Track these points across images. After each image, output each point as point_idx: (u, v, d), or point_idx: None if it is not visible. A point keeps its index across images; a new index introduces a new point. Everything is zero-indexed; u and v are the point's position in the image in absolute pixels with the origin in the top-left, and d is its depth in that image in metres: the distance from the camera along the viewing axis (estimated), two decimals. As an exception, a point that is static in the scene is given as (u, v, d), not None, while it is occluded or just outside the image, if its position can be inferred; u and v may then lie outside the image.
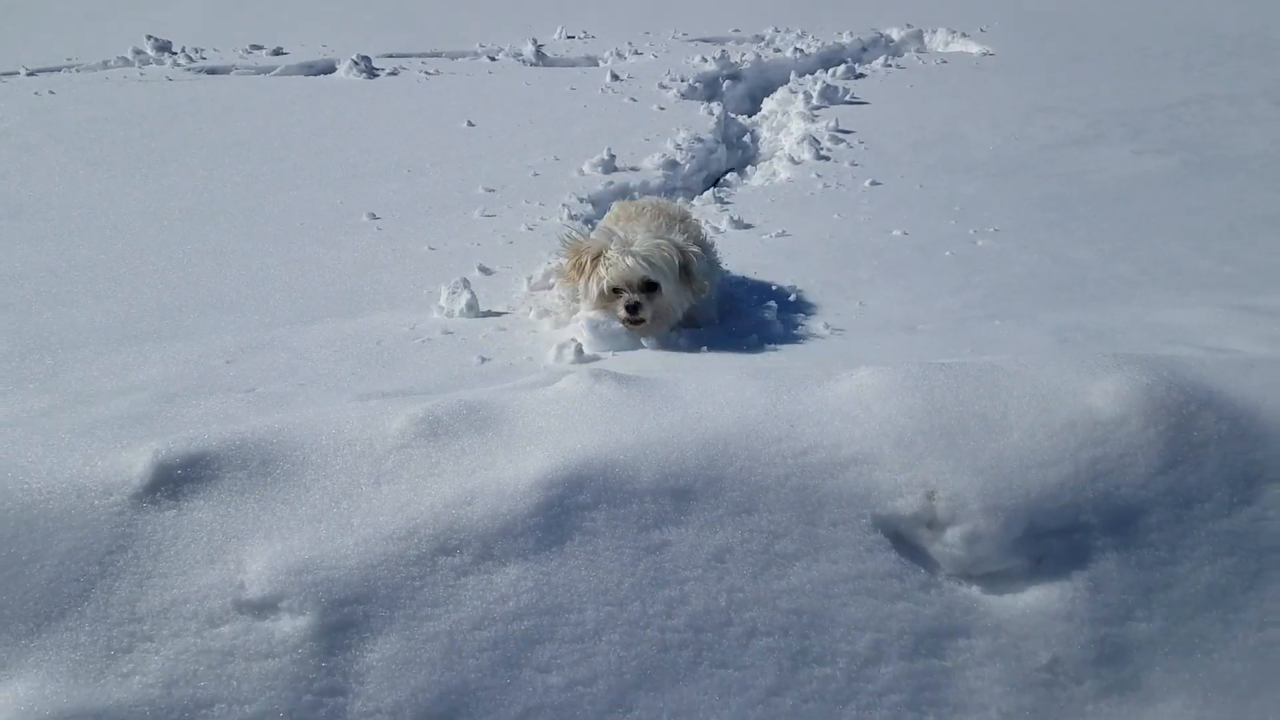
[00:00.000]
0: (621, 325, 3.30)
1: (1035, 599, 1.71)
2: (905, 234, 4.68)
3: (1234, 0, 11.78)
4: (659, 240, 3.32)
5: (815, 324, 3.51)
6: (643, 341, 3.29)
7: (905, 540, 1.77)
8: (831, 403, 1.91)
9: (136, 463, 1.84)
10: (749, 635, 1.69)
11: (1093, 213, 5.12)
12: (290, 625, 1.67)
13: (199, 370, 3.14)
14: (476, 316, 3.66)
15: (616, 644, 1.68)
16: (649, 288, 3.29)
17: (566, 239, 3.55)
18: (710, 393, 1.99)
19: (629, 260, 3.27)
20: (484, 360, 3.17)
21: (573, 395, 2.00)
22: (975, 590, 1.73)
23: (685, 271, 3.35)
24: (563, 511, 1.79)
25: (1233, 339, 2.74)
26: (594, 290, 3.34)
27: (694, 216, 3.97)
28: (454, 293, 3.74)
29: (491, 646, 1.67)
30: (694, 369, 2.55)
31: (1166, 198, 5.36)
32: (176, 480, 1.83)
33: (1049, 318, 3.45)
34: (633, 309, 3.25)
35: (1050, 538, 1.75)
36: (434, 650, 1.66)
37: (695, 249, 3.41)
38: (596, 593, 1.72)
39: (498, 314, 3.71)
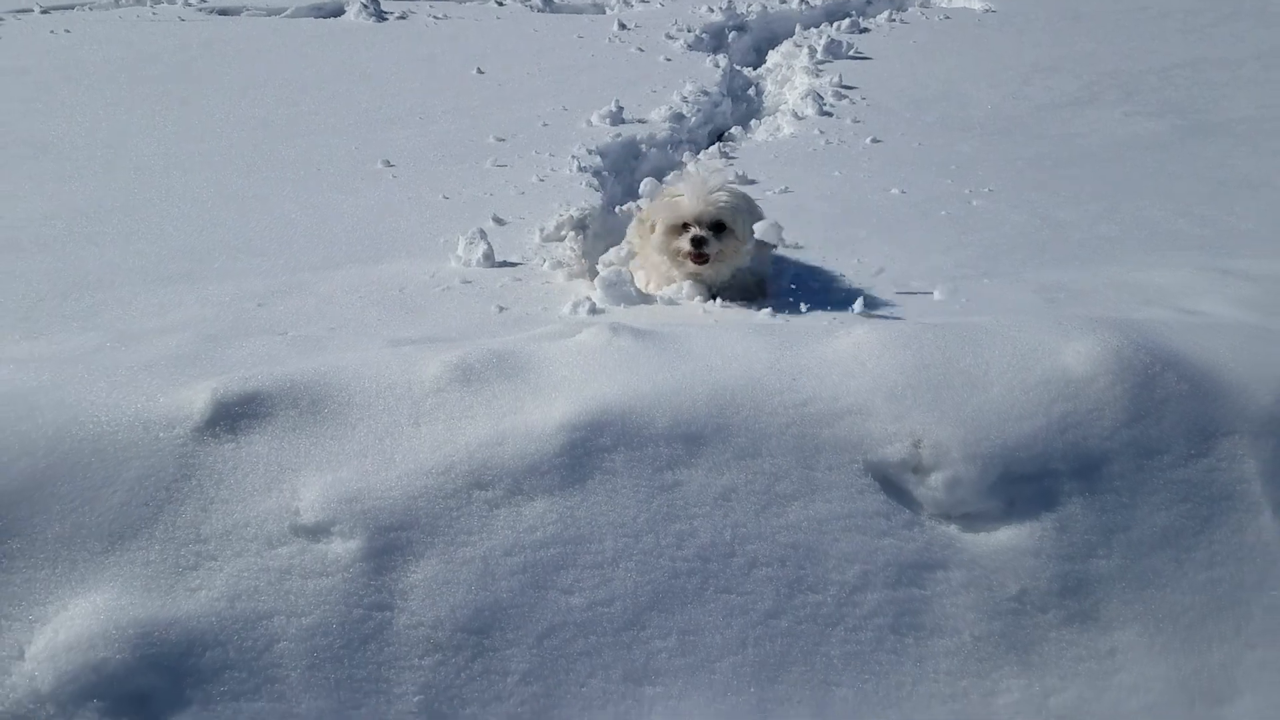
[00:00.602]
0: (676, 270, 3.22)
1: (1007, 537, 1.88)
2: (903, 193, 4.79)
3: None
4: (735, 186, 3.25)
5: (813, 281, 3.65)
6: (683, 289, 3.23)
7: (892, 483, 1.93)
8: (830, 358, 2.06)
9: (196, 400, 1.99)
10: (750, 565, 1.86)
11: (1081, 174, 5.22)
12: (341, 548, 1.83)
13: (233, 312, 3.28)
14: (492, 266, 3.79)
15: (632, 570, 1.85)
16: (718, 228, 3.17)
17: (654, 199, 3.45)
18: (719, 347, 2.14)
19: (707, 193, 3.17)
20: (502, 309, 3.31)
21: (593, 347, 2.15)
22: (953, 529, 1.90)
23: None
24: (585, 453, 1.94)
25: (1204, 301, 2.88)
26: (661, 223, 3.22)
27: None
28: (471, 243, 3.86)
29: (521, 570, 1.84)
30: (701, 324, 2.69)
31: (1152, 161, 5.46)
32: (234, 416, 1.98)
33: (1034, 277, 3.59)
34: (699, 243, 3.13)
35: (1022, 483, 1.91)
36: (470, 573, 1.83)
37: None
38: (615, 525, 1.88)
39: (513, 264, 3.84)
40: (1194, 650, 1.80)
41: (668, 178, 3.67)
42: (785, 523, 1.89)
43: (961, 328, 2.09)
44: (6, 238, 4.22)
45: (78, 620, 1.74)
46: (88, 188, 5.01)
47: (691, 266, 3.20)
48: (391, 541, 1.85)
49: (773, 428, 1.96)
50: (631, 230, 3.63)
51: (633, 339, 2.17)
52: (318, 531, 1.85)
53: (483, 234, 3.86)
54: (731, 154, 5.71)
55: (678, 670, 1.78)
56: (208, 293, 3.51)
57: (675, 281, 3.28)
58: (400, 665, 1.76)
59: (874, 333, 2.09)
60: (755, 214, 3.31)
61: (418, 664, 1.76)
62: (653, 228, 3.31)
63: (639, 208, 3.87)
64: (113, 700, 1.69)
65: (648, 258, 3.42)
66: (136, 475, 1.89)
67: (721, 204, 3.17)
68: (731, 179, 3.42)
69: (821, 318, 2.73)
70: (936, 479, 1.90)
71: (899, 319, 2.14)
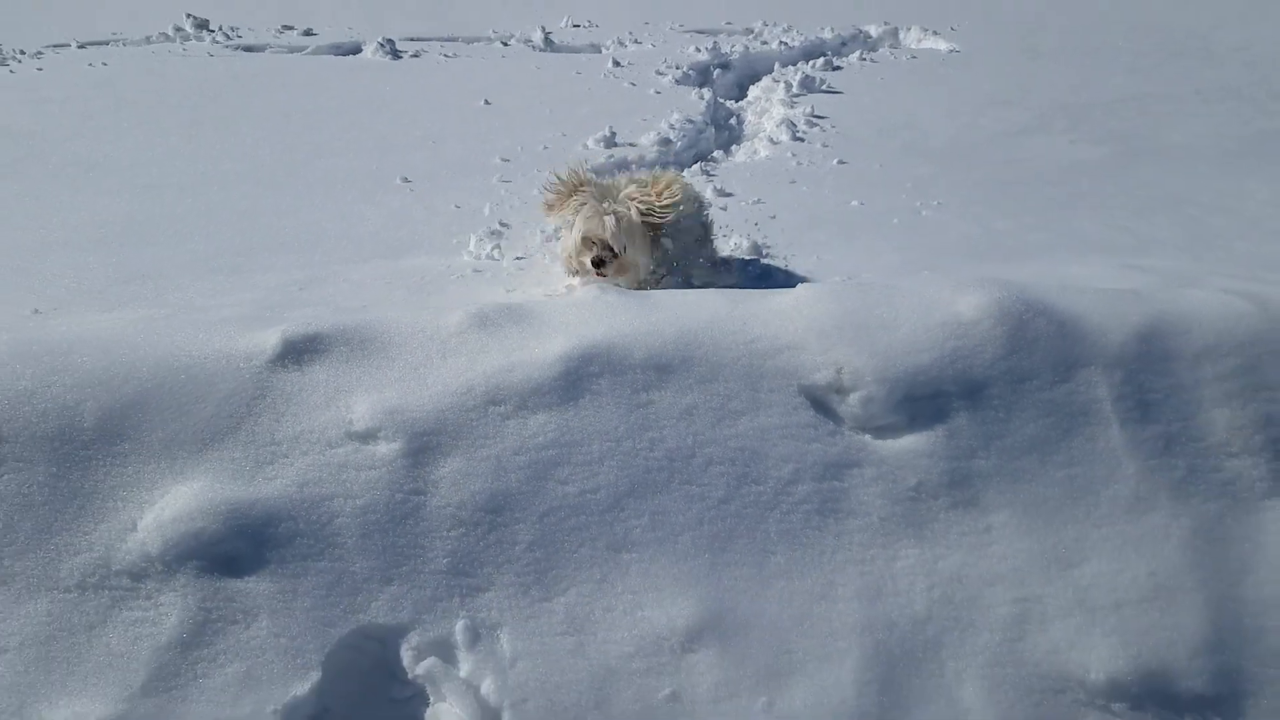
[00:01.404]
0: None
1: (908, 443, 2.32)
2: (861, 204, 5.26)
3: (1183, 8, 12.30)
4: (629, 201, 3.47)
5: (777, 272, 4.10)
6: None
7: (820, 403, 2.37)
8: (774, 307, 2.50)
9: (269, 339, 2.42)
10: (707, 464, 2.30)
11: (1024, 193, 5.69)
12: (385, 448, 2.26)
13: (280, 293, 3.72)
14: (500, 260, 4.24)
15: (614, 467, 2.28)
16: (609, 249, 3.41)
17: (558, 177, 3.64)
18: (686, 302, 2.58)
19: (602, 218, 3.41)
20: (509, 291, 3.76)
21: (584, 301, 2.60)
22: (867, 437, 2.34)
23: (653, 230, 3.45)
24: (577, 378, 2.38)
25: (1101, 284, 3.33)
26: (572, 241, 3.48)
27: (697, 192, 4.10)
28: (481, 240, 4.32)
29: (526, 466, 2.27)
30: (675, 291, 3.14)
31: (1090, 182, 5.94)
32: (299, 351, 2.41)
33: (969, 270, 4.04)
34: (598, 263, 3.42)
35: (921, 401, 2.35)
36: (486, 467, 2.26)
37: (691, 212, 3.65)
38: (600, 433, 2.32)
39: (518, 258, 4.29)
40: (1052, 528, 2.23)
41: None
42: (735, 432, 2.33)
43: (880, 285, 2.54)
44: (66, 239, 4.66)
45: (179, 501, 2.16)
46: (134, 201, 5.45)
47: (595, 276, 3.47)
48: (425, 443, 2.28)
49: (726, 359, 2.40)
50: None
51: (616, 295, 2.62)
52: (367, 436, 2.28)
53: (491, 233, 4.32)
54: (712, 173, 6.18)
55: (649, 542, 2.21)
56: (255, 280, 3.95)
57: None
58: (432, 536, 2.18)
59: (809, 290, 2.54)
60: (634, 232, 3.47)
61: (446, 535, 2.19)
62: (550, 209, 3.59)
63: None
64: (208, 560, 2.11)
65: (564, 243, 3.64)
66: (222, 394, 2.32)
67: (611, 232, 3.40)
68: (632, 193, 3.53)
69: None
70: (854, 398, 2.34)
71: (828, 283, 2.58)
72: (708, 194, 5.54)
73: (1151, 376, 2.39)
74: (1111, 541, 2.21)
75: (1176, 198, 5.69)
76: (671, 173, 4.05)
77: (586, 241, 3.46)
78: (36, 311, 3.51)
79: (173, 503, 2.16)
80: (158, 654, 2.01)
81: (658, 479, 2.28)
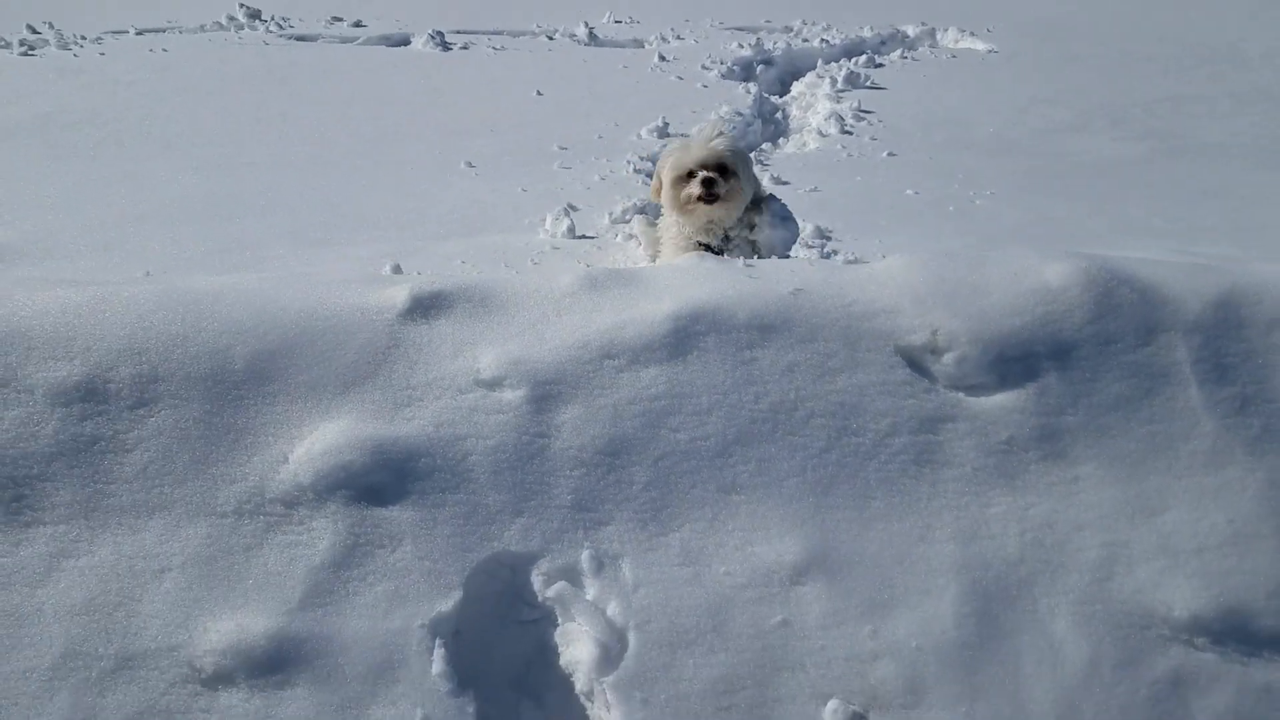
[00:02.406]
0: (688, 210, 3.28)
1: (1000, 400, 2.45)
2: (916, 193, 5.39)
3: (1213, 16, 12.34)
4: (734, 135, 3.42)
5: (842, 254, 4.24)
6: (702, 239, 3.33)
7: (916, 362, 2.51)
8: (869, 274, 2.64)
9: (399, 294, 2.58)
10: (809, 416, 2.44)
11: (1072, 183, 5.82)
12: (512, 394, 2.41)
13: (374, 265, 3.88)
14: (575, 239, 4.40)
15: (721, 418, 2.43)
16: (724, 171, 3.28)
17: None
18: (784, 267, 2.73)
19: (706, 141, 3.29)
20: (589, 267, 3.91)
21: (688, 266, 2.75)
22: (960, 395, 2.47)
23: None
24: (685, 335, 2.52)
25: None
26: (668, 176, 3.30)
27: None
28: (556, 219, 4.48)
29: (640, 415, 2.42)
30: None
31: (1135, 175, 6.05)
32: (426, 307, 2.57)
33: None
34: (709, 184, 3.23)
35: (1012, 362, 2.48)
36: (604, 414, 2.41)
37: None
38: (708, 386, 2.46)
39: (591, 237, 4.44)
40: (1136, 479, 2.36)
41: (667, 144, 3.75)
42: (835, 388, 2.47)
43: (969, 255, 2.68)
44: (156, 212, 4.86)
45: (328, 436, 2.32)
46: (212, 179, 5.65)
47: (703, 208, 3.30)
48: (547, 391, 2.43)
49: (825, 321, 2.54)
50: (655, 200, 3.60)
51: (716, 262, 2.76)
52: (494, 384, 2.43)
53: (566, 211, 4.47)
54: (765, 162, 6.32)
55: (756, 486, 2.35)
56: (345, 253, 4.13)
57: (693, 250, 3.35)
58: (556, 475, 2.34)
59: (902, 258, 2.68)
60: (751, 161, 3.42)
61: (569, 474, 2.34)
62: (658, 189, 3.44)
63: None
64: (355, 490, 2.27)
65: (667, 231, 3.56)
66: (360, 343, 2.48)
67: (722, 148, 3.29)
68: (724, 130, 3.42)
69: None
70: (949, 358, 2.48)
71: (921, 252, 2.72)
72: (764, 180, 5.68)
73: (1227, 342, 2.52)
74: (1191, 492, 2.34)
75: (1218, 190, 5.80)
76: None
77: (687, 175, 3.30)
78: (148, 274, 3.69)
79: (322, 438, 2.32)
80: (312, 573, 2.17)
81: (762, 429, 2.42)
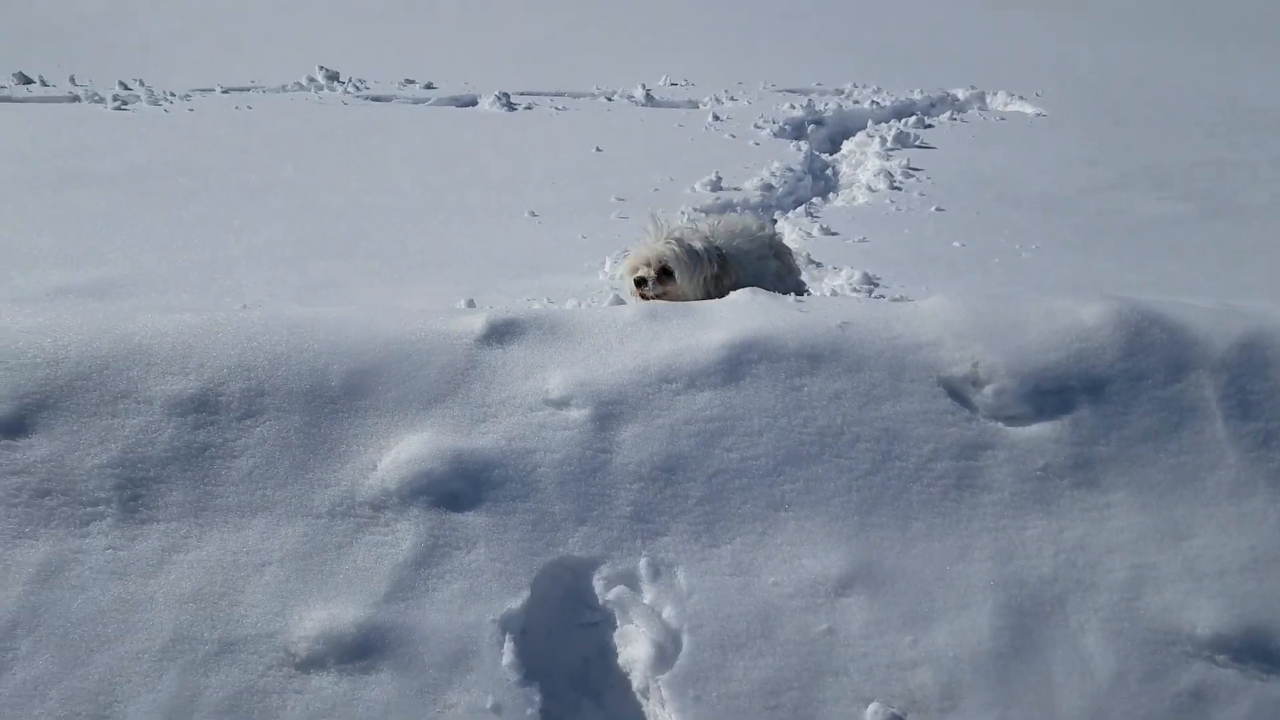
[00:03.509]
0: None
1: (1036, 430, 2.58)
2: (963, 245, 5.53)
3: (1257, 83, 12.37)
4: (689, 235, 3.50)
5: (887, 296, 4.39)
6: None
7: (957, 393, 2.65)
8: (913, 311, 2.80)
9: (476, 322, 2.80)
10: (855, 441, 2.58)
11: (1116, 240, 5.91)
12: (577, 413, 2.60)
13: (451, 301, 4.12)
14: (634, 281, 4.61)
15: (772, 440, 2.59)
16: (664, 273, 3.44)
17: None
18: (832, 303, 2.90)
19: (652, 244, 3.46)
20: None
21: (741, 300, 2.93)
22: (999, 424, 2.60)
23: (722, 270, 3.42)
24: (738, 363, 2.70)
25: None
26: (623, 268, 3.52)
27: (777, 236, 3.99)
28: (616, 263, 4.69)
29: (696, 434, 2.58)
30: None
31: (1177, 233, 6.13)
32: (500, 333, 2.78)
33: (1069, 304, 4.28)
34: (640, 284, 3.43)
35: (1049, 395, 2.61)
36: (662, 433, 2.58)
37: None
38: (759, 410, 2.63)
39: (649, 280, 4.65)
40: (1164, 507, 2.46)
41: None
42: (879, 414, 2.62)
43: (1008, 295, 2.83)
44: (247, 254, 5.17)
45: (411, 447, 2.52)
46: (297, 224, 5.99)
47: (637, 298, 3.46)
48: (609, 411, 2.61)
49: (870, 352, 2.70)
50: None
51: (767, 297, 2.94)
52: (561, 403, 2.62)
53: (626, 253, 4.69)
54: (815, 214, 6.51)
55: (803, 503, 2.50)
56: (422, 289, 4.38)
57: None
58: (617, 487, 2.51)
59: (944, 297, 2.83)
60: (696, 264, 3.46)
61: (628, 487, 2.51)
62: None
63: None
64: (436, 496, 2.46)
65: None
66: (441, 365, 2.70)
67: (662, 251, 3.46)
68: (678, 233, 3.57)
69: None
70: (988, 389, 2.62)
71: (962, 292, 2.87)
72: (814, 231, 5.87)
73: (1252, 380, 2.63)
74: (1216, 520, 2.43)
75: (1258, 249, 5.86)
76: (732, 214, 4.17)
77: (637, 269, 3.48)
78: (244, 306, 3.97)
79: (406, 449, 2.52)
80: (396, 570, 2.35)
81: (810, 451, 2.57)
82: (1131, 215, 6.74)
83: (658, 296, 3.42)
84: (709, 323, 2.82)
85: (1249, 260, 5.50)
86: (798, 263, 4.01)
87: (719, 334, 2.76)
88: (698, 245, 3.47)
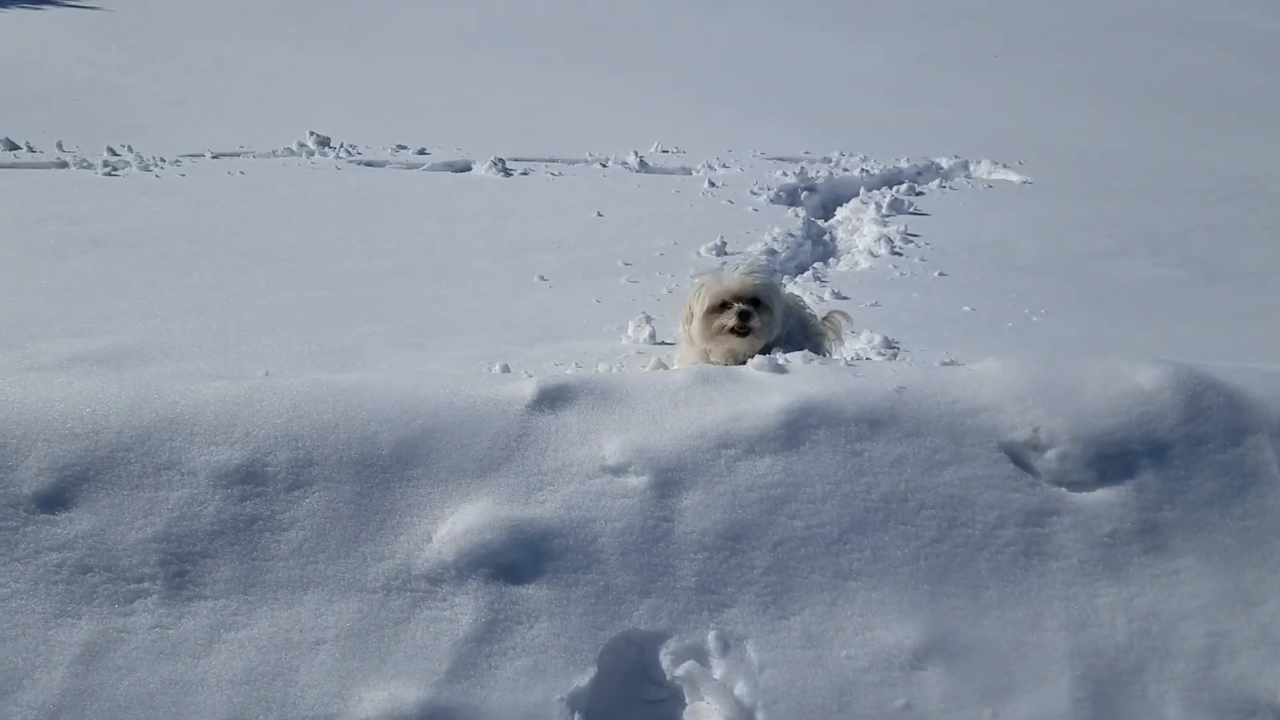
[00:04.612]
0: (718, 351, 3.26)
1: (1101, 495, 2.55)
2: (973, 309, 5.57)
3: (1238, 153, 12.74)
4: (767, 270, 3.43)
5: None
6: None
7: (1019, 458, 2.63)
8: (969, 374, 2.79)
9: (526, 388, 2.75)
10: (919, 508, 2.55)
11: (1119, 304, 5.99)
12: (636, 480, 2.55)
13: (477, 368, 4.07)
14: (656, 344, 4.59)
15: (835, 507, 2.54)
16: (756, 304, 3.30)
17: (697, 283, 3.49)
18: (885, 367, 2.89)
19: (742, 274, 3.32)
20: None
21: (796, 365, 2.91)
22: (1063, 490, 2.58)
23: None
24: (798, 428, 2.66)
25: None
26: (701, 307, 3.29)
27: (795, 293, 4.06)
28: (638, 326, 4.68)
29: (758, 502, 2.54)
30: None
31: (1177, 297, 6.23)
32: (552, 399, 2.73)
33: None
34: (744, 316, 3.24)
35: (1111, 459, 2.59)
36: (724, 501, 2.53)
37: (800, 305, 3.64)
38: (822, 476, 2.59)
39: (670, 344, 4.63)
40: (1233, 571, 2.44)
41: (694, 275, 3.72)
42: (943, 480, 2.58)
43: (1063, 359, 2.83)
44: (259, 320, 5.09)
45: (468, 517, 2.46)
46: (305, 289, 5.93)
47: (733, 340, 3.29)
48: (669, 478, 2.56)
49: (930, 416, 2.68)
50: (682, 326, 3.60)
51: (820, 362, 2.92)
52: (619, 470, 2.57)
53: (647, 318, 4.68)
54: (823, 279, 6.55)
55: (871, 572, 2.45)
56: (443, 356, 4.33)
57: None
58: (681, 557, 2.45)
59: (999, 361, 2.83)
60: (779, 298, 3.43)
61: (693, 557, 2.45)
62: (689, 317, 3.43)
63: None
64: (494, 567, 2.39)
65: (682, 351, 3.61)
66: (494, 432, 2.64)
67: (757, 283, 3.32)
68: (757, 265, 3.50)
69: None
70: (1051, 455, 2.60)
71: (1018, 356, 2.88)
72: (825, 294, 5.91)
73: (1313, 444, 2.63)
74: (1291, 587, 2.41)
75: (1261, 312, 5.95)
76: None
77: (721, 306, 3.30)
78: (268, 374, 3.90)
79: (463, 519, 2.45)
80: (456, 647, 2.27)
81: (875, 518, 2.53)
82: (1130, 279, 6.84)
83: (745, 331, 3.26)
84: (764, 387, 2.80)
85: (1252, 323, 5.59)
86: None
87: (776, 398, 2.73)
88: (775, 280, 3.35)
